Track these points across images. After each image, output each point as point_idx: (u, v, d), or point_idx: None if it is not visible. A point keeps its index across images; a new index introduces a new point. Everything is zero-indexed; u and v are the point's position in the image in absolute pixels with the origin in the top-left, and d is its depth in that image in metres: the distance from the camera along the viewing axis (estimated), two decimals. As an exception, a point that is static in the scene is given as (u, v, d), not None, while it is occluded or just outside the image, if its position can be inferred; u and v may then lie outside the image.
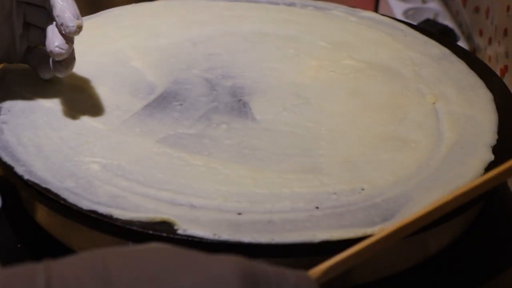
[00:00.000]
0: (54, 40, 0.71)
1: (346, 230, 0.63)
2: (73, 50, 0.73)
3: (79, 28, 0.70)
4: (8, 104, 0.76)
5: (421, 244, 0.69)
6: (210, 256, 0.50)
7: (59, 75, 0.75)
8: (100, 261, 0.48)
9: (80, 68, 0.81)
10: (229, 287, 0.48)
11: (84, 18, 0.90)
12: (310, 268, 0.54)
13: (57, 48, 0.71)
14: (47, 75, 0.75)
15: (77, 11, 0.71)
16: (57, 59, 0.72)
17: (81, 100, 0.77)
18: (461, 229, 0.73)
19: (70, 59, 0.73)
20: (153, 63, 0.85)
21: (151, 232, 0.62)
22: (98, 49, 0.86)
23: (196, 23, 0.92)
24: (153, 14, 0.94)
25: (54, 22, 0.72)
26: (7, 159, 0.69)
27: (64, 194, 0.65)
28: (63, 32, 0.70)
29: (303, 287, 0.51)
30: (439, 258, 0.71)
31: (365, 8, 0.99)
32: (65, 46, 0.71)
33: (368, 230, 0.63)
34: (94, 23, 0.91)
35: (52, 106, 0.76)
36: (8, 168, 0.68)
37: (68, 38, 0.71)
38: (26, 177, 0.67)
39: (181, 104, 0.78)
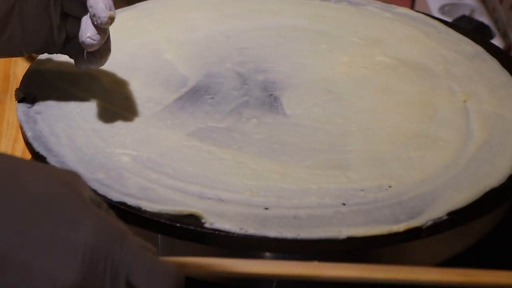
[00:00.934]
0: (86, 31, 0.71)
1: (371, 227, 0.64)
2: (108, 41, 0.74)
3: (111, 19, 0.70)
4: (43, 94, 0.77)
5: (444, 244, 0.69)
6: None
7: (93, 67, 0.75)
8: None
9: (113, 60, 0.82)
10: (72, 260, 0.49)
11: (119, 10, 0.92)
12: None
13: (88, 39, 0.71)
14: (82, 66, 0.76)
15: (110, 2, 0.71)
16: (88, 49, 0.72)
17: (114, 92, 0.79)
18: (488, 228, 0.73)
19: (104, 50, 0.74)
20: (186, 56, 0.85)
21: (178, 224, 0.63)
22: (132, 41, 0.87)
23: (230, 16, 0.93)
24: (187, 7, 0.95)
25: (89, 13, 0.72)
26: (40, 149, 0.70)
27: (95, 186, 0.66)
28: (95, 23, 0.70)
29: (156, 274, 0.52)
30: (466, 256, 0.71)
31: (401, 3, 0.99)
32: (97, 37, 0.71)
33: (393, 228, 0.63)
34: (129, 15, 0.92)
35: (85, 97, 0.77)
36: (41, 158, 0.70)
37: (101, 29, 0.71)
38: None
39: (212, 98, 0.79)
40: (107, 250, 0.51)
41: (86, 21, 0.71)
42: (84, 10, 0.73)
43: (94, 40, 0.71)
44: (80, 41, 0.71)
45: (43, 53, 0.77)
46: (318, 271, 0.55)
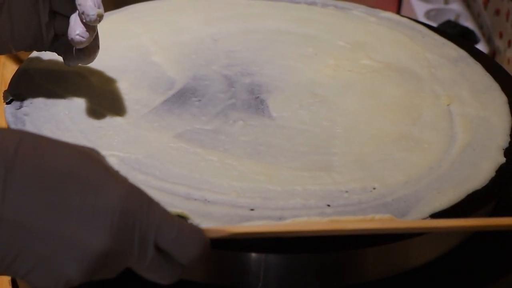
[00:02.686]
0: (75, 29, 0.71)
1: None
2: (97, 38, 0.74)
3: (100, 17, 0.71)
4: (30, 96, 0.78)
5: (427, 245, 0.70)
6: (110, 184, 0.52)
7: (82, 63, 0.76)
8: (15, 144, 0.51)
9: (102, 62, 0.83)
10: (105, 220, 0.51)
11: (108, 13, 0.93)
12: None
13: (77, 36, 0.71)
14: (71, 63, 0.76)
15: (99, 0, 0.71)
16: (77, 46, 0.73)
17: (102, 94, 0.79)
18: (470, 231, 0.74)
19: (93, 47, 0.74)
20: (174, 59, 0.86)
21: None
22: (120, 43, 0.88)
23: (217, 20, 0.94)
24: (176, 10, 0.95)
25: (77, 11, 0.72)
26: (28, 150, 0.71)
27: (82, 186, 0.67)
28: (84, 20, 0.71)
29: (184, 236, 0.54)
30: (446, 259, 0.72)
31: (388, 8, 1.00)
32: (86, 34, 0.71)
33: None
34: (118, 18, 0.93)
35: (73, 99, 0.78)
36: (29, 159, 0.70)
37: (89, 27, 0.72)
38: (45, 168, 0.69)
39: (199, 100, 0.80)
40: (135, 214, 0.52)
41: (75, 18, 0.72)
42: (73, 8, 0.73)
43: (83, 37, 0.71)
44: (69, 38, 0.72)
45: (31, 51, 0.77)
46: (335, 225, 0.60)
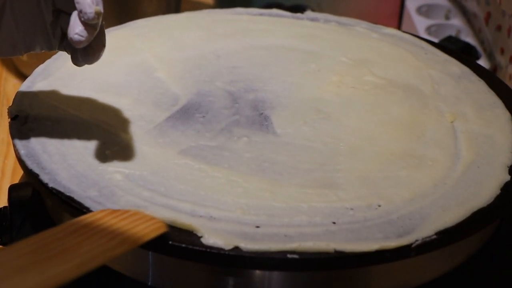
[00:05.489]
0: (74, 28, 0.68)
1: (361, 244, 0.64)
2: (102, 36, 0.72)
3: (98, 15, 0.68)
4: (35, 112, 0.78)
5: (435, 261, 0.70)
6: None
7: (88, 63, 0.73)
8: None
9: (105, 78, 0.83)
10: None
11: (111, 28, 0.93)
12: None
13: (76, 35, 0.68)
14: (78, 63, 0.73)
15: None
16: (77, 46, 0.70)
17: (106, 110, 0.79)
18: (475, 247, 0.74)
19: (97, 45, 0.71)
20: (177, 75, 0.86)
21: (170, 242, 0.64)
22: (123, 59, 0.88)
23: (220, 36, 0.94)
24: (178, 26, 0.96)
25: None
26: (33, 167, 0.71)
27: (87, 203, 0.67)
28: (82, 19, 0.68)
29: None
30: (454, 275, 0.72)
31: (389, 23, 1.00)
32: (84, 33, 0.68)
33: (383, 245, 0.64)
34: (121, 33, 0.93)
35: (78, 115, 0.78)
36: (34, 176, 0.70)
37: (88, 25, 0.68)
38: (50, 185, 0.69)
39: (203, 116, 0.80)
40: None
41: (74, 17, 0.69)
42: (75, 6, 0.71)
43: (82, 36, 0.68)
44: (68, 38, 0.69)
45: (41, 51, 0.75)
46: None
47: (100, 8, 0.68)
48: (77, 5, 0.68)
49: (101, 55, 0.72)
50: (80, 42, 0.69)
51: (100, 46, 0.72)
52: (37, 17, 0.73)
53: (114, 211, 0.65)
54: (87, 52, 0.71)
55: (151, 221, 0.65)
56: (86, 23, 0.68)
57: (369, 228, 0.67)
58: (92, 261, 0.57)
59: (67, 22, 0.71)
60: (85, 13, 0.67)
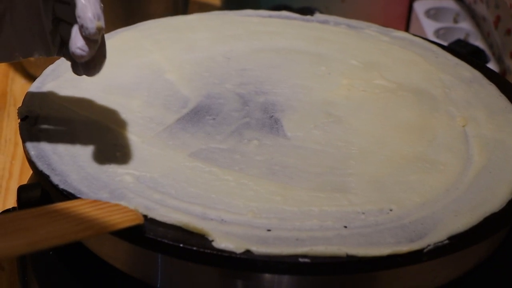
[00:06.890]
0: (76, 42, 0.68)
1: (373, 249, 0.64)
2: (103, 48, 0.71)
3: (99, 30, 0.67)
4: (45, 112, 0.78)
5: (446, 266, 0.69)
6: None
7: (88, 75, 0.72)
8: None
9: (115, 79, 0.83)
10: None
11: (119, 30, 0.93)
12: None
13: (78, 50, 0.68)
14: (78, 72, 0.73)
15: (99, 12, 0.67)
16: (78, 60, 0.69)
17: (116, 112, 0.79)
18: (487, 252, 0.73)
19: (98, 58, 0.71)
20: (187, 77, 0.86)
21: (181, 245, 0.64)
22: (133, 61, 0.88)
23: (230, 38, 0.94)
24: (188, 28, 0.95)
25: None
26: (43, 168, 0.71)
27: (98, 205, 0.67)
28: (83, 34, 0.67)
29: None
30: (465, 280, 0.71)
31: (397, 26, 1.00)
32: (86, 48, 0.68)
33: (395, 250, 0.64)
34: (130, 35, 0.93)
35: (88, 116, 0.78)
36: (44, 177, 0.70)
37: (90, 40, 0.68)
38: (61, 186, 0.69)
39: (213, 119, 0.80)
40: None
41: (76, 31, 0.68)
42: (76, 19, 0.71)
43: (83, 51, 0.68)
44: (70, 51, 0.69)
45: (40, 56, 0.75)
46: None
47: (102, 23, 0.67)
48: (78, 20, 0.67)
49: (102, 67, 0.71)
50: (82, 56, 0.68)
51: (101, 58, 0.71)
52: (37, 25, 0.73)
53: (94, 201, 0.66)
54: (88, 65, 0.71)
55: (128, 212, 0.65)
56: (87, 38, 0.67)
57: (380, 232, 0.66)
58: (46, 241, 0.57)
59: (67, 31, 0.71)
60: (87, 28, 0.67)
